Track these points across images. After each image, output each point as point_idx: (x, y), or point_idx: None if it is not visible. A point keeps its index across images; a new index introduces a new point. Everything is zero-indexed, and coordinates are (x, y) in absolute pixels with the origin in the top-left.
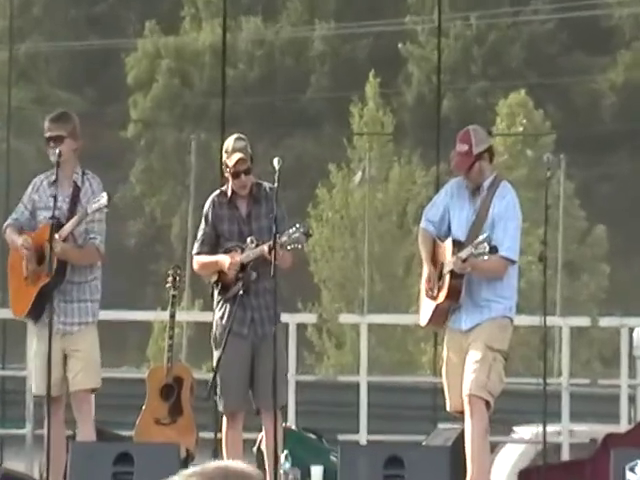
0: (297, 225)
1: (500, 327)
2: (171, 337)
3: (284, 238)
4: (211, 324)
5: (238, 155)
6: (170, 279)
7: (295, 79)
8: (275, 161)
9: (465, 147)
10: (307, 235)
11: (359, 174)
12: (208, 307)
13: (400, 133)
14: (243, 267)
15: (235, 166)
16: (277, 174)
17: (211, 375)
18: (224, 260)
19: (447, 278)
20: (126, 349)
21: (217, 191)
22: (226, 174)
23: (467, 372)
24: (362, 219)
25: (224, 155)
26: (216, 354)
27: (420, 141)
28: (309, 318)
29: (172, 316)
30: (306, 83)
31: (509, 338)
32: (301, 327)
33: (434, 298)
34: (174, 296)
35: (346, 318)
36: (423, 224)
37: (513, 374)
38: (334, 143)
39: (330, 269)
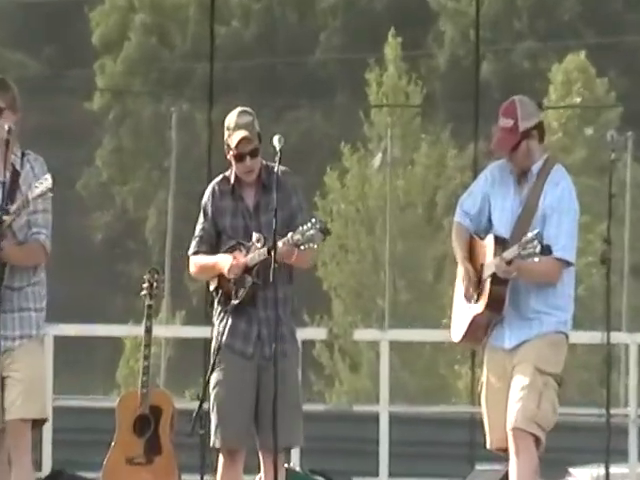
0: (313, 220)
1: (553, 345)
2: (147, 357)
3: (297, 236)
4: (196, 341)
5: (241, 133)
6: (146, 285)
7: (300, 38)
8: (275, 139)
9: (509, 122)
10: (324, 232)
11: (378, 156)
12: (192, 320)
13: (429, 105)
14: (248, 271)
15: (238, 147)
16: (278, 155)
17: (197, 404)
18: (224, 262)
19: (487, 284)
20: (91, 371)
21: (219, 177)
22: (228, 156)
23: (512, 401)
24: (382, 212)
25: (225, 133)
26: (213, 378)
27: (454, 115)
28: (317, 333)
29: (148, 331)
30: (313, 43)
31: (563, 359)
32: (308, 344)
33: (475, 300)
34: (150, 306)
35: (363, 334)
36: (458, 217)
37: (569, 403)
38: (348, 117)
39: (343, 274)
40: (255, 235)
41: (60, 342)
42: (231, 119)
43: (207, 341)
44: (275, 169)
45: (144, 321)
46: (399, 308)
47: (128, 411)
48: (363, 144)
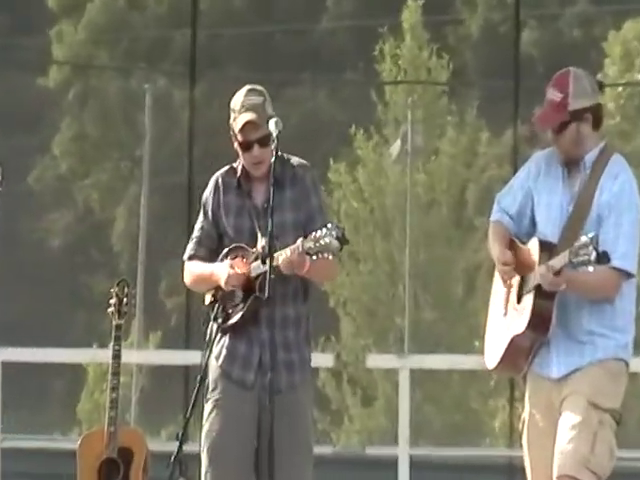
0: (328, 225)
1: (610, 374)
2: (114, 388)
3: (308, 244)
4: (174, 369)
5: (247, 116)
6: (113, 301)
7: (302, 2)
8: (272, 123)
9: (558, 96)
10: (341, 241)
11: (396, 144)
12: (170, 343)
13: (457, 82)
14: (249, 283)
15: (243, 132)
16: (274, 143)
17: (176, 445)
18: (221, 271)
19: (531, 297)
20: (46, 405)
21: (225, 168)
22: (235, 145)
23: (560, 442)
24: (401, 212)
25: (231, 116)
26: (206, 410)
27: (488, 94)
28: (322, 360)
29: (116, 356)
30: (318, 8)
31: (623, 391)
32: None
33: (515, 317)
34: (119, 326)
35: (378, 360)
36: (495, 216)
37: (630, 445)
38: (359, 97)
39: (353, 286)
40: (264, 240)
41: (9, 369)
42: (237, 99)
43: (188, 369)
44: (291, 161)
45: (111, 344)
46: (422, 329)
47: (92, 454)
48: (377, 129)
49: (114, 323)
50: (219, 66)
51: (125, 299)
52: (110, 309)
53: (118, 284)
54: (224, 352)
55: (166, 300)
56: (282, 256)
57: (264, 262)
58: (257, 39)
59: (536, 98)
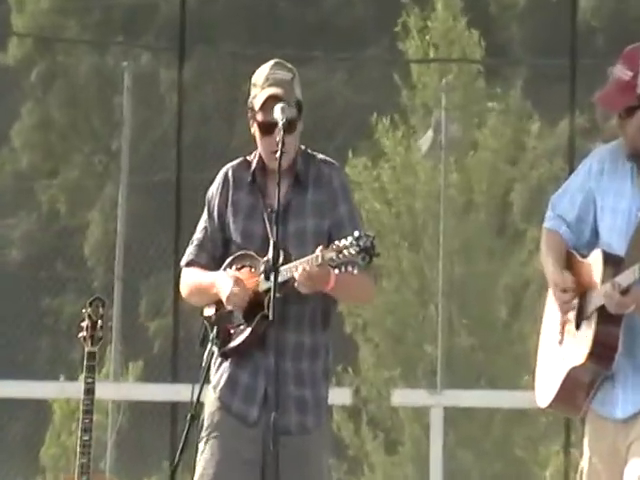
0: (355, 233)
1: None
2: (86, 429)
3: (330, 254)
4: (159, 406)
5: (270, 91)
6: (85, 324)
7: None
8: (277, 109)
9: (627, 74)
10: (369, 253)
11: (427, 135)
12: (153, 375)
13: (501, 61)
14: (257, 299)
15: (264, 110)
16: (280, 133)
17: None
18: (223, 283)
19: (592, 322)
20: (5, 449)
21: (236, 161)
22: (252, 129)
23: None
24: (433, 216)
25: (251, 93)
26: (200, 450)
27: (538, 75)
28: (339, 396)
29: (89, 391)
30: None
31: None
32: None
33: (573, 345)
34: (92, 355)
35: (405, 396)
36: (550, 224)
37: None
38: (382, 78)
39: (375, 307)
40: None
41: None
42: (261, 73)
43: (176, 406)
44: (317, 158)
45: (83, 376)
46: (458, 358)
47: None
48: (403, 117)
49: (86, 350)
50: (213, 41)
51: (99, 322)
52: (81, 334)
53: (91, 304)
54: (223, 380)
55: (149, 323)
56: (298, 269)
57: (267, 276)
58: (258, 8)
59: (597, 79)
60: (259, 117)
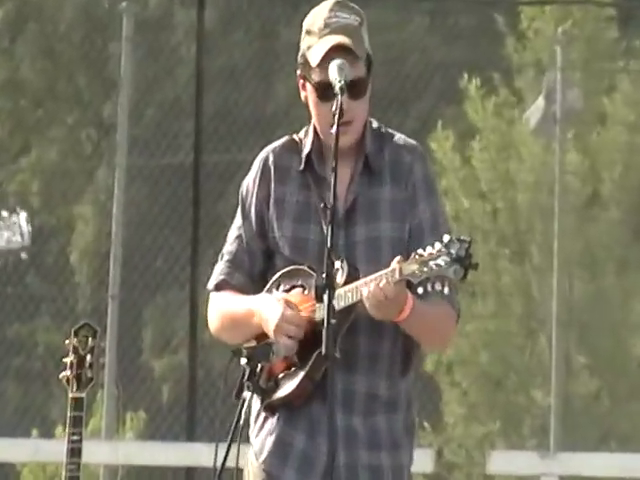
0: (445, 238)
1: None
2: None
3: (411, 267)
4: (168, 472)
5: (333, 39)
6: (70, 359)
7: None
8: (333, 68)
9: None
10: (465, 264)
11: (537, 104)
12: (160, 430)
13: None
14: (314, 332)
15: (324, 67)
16: (337, 103)
17: None
18: (270, 310)
19: None
20: None
21: (280, 141)
22: (303, 94)
23: None
24: (544, 215)
25: (303, 43)
26: None
27: None
28: (419, 461)
29: (74, 451)
30: None
31: None
32: None
33: None
34: (78, 402)
35: (506, 461)
36: None
37: None
38: (476, 25)
39: (464, 339)
40: (337, 263)
41: None
42: (317, 16)
43: (191, 473)
44: (395, 137)
45: (66, 432)
46: (577, 410)
47: None
48: (506, 79)
49: (70, 396)
50: None
51: (89, 357)
52: (64, 374)
53: (77, 333)
54: (270, 444)
55: (155, 360)
56: (370, 285)
57: (319, 298)
58: None
59: None
60: (316, 76)
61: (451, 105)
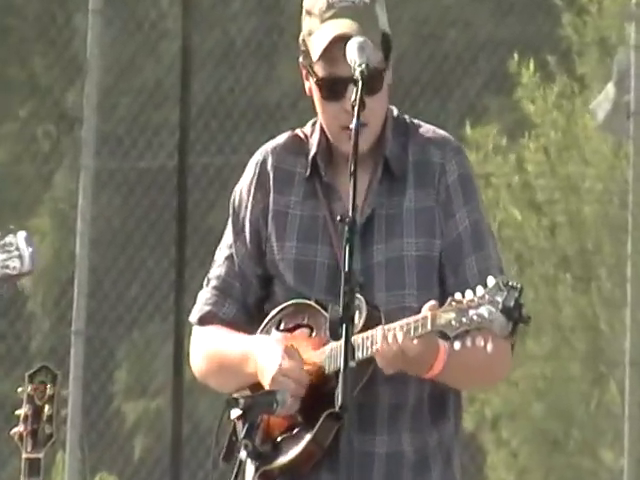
0: (490, 282)
1: None
2: None
3: (446, 316)
4: None
5: (336, 27)
6: (24, 412)
7: None
8: (352, 48)
9: None
10: (512, 316)
11: (606, 93)
12: None
13: None
14: (322, 383)
15: (327, 59)
16: (356, 93)
17: None
18: (265, 355)
19: None
20: None
21: (282, 138)
22: (307, 84)
23: None
24: (615, 233)
25: (303, 24)
26: None
27: None
28: None
29: None
30: None
31: None
32: None
33: None
34: (34, 463)
35: None
36: None
37: None
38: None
39: (514, 389)
40: (360, 297)
41: None
42: None
43: None
44: (422, 129)
45: None
46: None
47: None
48: (565, 62)
49: (24, 457)
50: None
51: (47, 408)
52: (16, 429)
53: (32, 378)
54: None
55: (127, 407)
56: (388, 337)
57: (334, 335)
58: None
59: None
60: (319, 70)
61: (499, 94)
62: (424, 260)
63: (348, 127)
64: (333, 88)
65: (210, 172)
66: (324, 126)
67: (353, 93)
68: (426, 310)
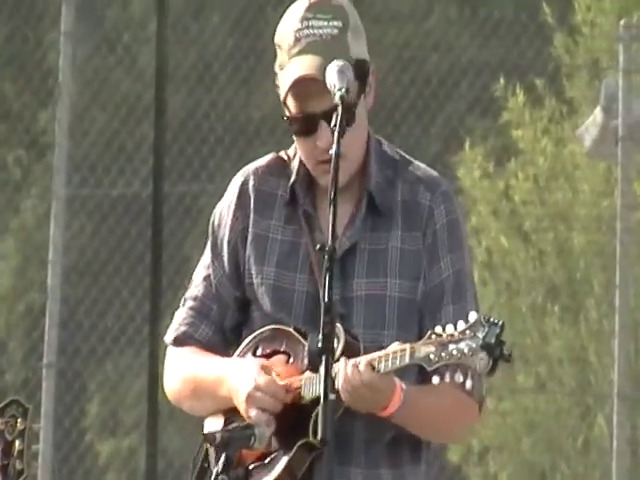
0: (472, 316)
1: None
2: None
3: (426, 349)
4: None
5: (299, 68)
6: None
7: None
8: (332, 72)
9: None
10: (492, 353)
11: (594, 117)
12: None
13: None
14: (298, 411)
15: (296, 97)
16: (337, 118)
17: None
18: (241, 379)
19: None
20: None
21: (264, 160)
22: (284, 112)
23: None
24: (604, 262)
25: (277, 60)
26: None
27: None
28: None
29: None
30: None
31: None
32: None
33: None
34: None
35: None
36: None
37: None
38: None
39: (502, 423)
40: (339, 326)
41: None
42: (288, 23)
43: None
44: (402, 161)
45: None
46: None
47: None
48: (553, 85)
49: None
50: None
51: (17, 443)
52: None
53: (2, 412)
54: None
55: (102, 445)
56: (348, 369)
57: (314, 366)
58: None
59: None
60: (290, 106)
61: (483, 118)
62: (406, 302)
63: (323, 161)
64: (304, 124)
65: (186, 201)
66: (303, 158)
67: (324, 129)
68: (398, 343)
